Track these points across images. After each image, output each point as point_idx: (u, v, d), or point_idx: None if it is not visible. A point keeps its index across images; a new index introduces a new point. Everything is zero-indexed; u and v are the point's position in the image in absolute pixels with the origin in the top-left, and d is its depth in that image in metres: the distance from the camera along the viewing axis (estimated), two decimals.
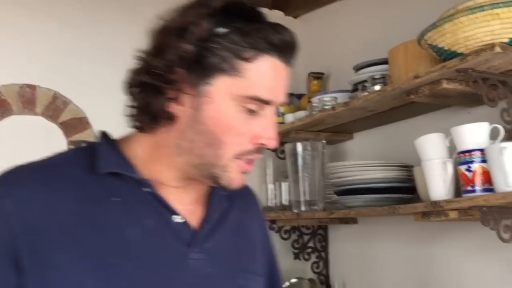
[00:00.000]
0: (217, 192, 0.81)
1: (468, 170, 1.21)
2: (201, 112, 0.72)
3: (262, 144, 0.74)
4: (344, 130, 1.89)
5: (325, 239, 2.04)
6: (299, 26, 2.29)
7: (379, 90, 1.46)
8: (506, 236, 1.18)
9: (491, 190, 1.18)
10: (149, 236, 0.73)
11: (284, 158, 1.93)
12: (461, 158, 1.22)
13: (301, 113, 1.83)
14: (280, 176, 1.98)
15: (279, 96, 0.75)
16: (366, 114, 1.65)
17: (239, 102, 0.72)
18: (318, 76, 2.02)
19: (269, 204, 1.98)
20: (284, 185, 1.93)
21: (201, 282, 0.75)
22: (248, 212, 0.89)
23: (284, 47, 0.74)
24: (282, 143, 2.00)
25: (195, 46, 0.70)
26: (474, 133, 1.21)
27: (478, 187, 1.19)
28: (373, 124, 1.79)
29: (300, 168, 1.78)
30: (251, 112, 0.73)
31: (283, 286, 1.94)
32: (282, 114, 1.94)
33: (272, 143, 0.74)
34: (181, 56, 0.70)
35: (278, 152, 2.05)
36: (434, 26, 1.22)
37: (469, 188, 1.20)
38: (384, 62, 1.56)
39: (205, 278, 0.75)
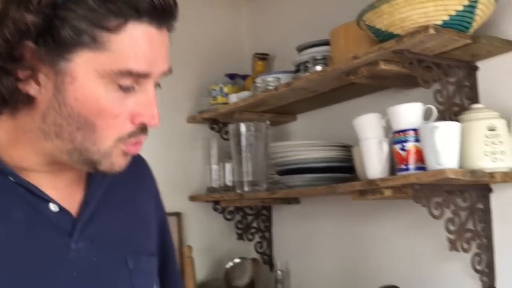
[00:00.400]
0: None
1: (402, 149, 1.24)
2: (64, 94, 0.62)
3: (143, 123, 0.66)
4: (288, 111, 1.90)
5: (268, 219, 2.06)
6: (246, 7, 2.27)
7: (320, 71, 1.48)
8: (436, 212, 1.23)
9: (423, 168, 1.21)
10: (20, 231, 0.65)
11: (228, 139, 1.92)
12: (396, 137, 1.25)
13: (245, 94, 1.83)
14: (224, 157, 1.97)
15: (158, 66, 0.65)
16: (308, 94, 1.67)
17: (109, 80, 0.62)
18: (263, 57, 2.01)
19: (213, 185, 1.98)
20: (228, 166, 1.93)
21: (85, 274, 0.68)
22: (139, 183, 0.82)
23: (157, 11, 0.63)
24: (226, 124, 1.99)
25: (38, 16, 0.60)
26: (408, 113, 1.24)
27: (411, 165, 1.23)
28: (315, 105, 1.81)
29: (243, 148, 1.78)
30: (126, 89, 0.64)
31: (227, 266, 1.94)
32: (226, 95, 1.92)
33: (154, 121, 0.66)
34: (20, 29, 0.60)
35: (223, 133, 2.04)
36: (372, 7, 1.23)
37: (403, 166, 1.24)
38: (326, 43, 1.57)
39: (90, 269, 0.69)
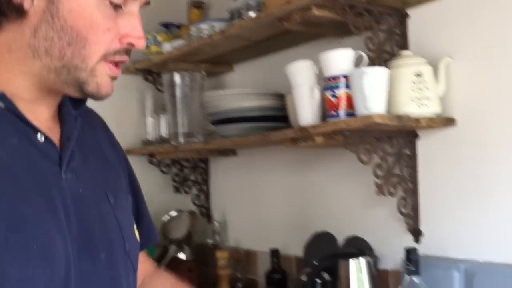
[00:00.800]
0: (68, 111, 0.74)
1: (333, 95, 1.24)
2: (58, 5, 0.64)
3: (131, 44, 0.69)
4: (224, 61, 1.86)
5: (206, 172, 2.05)
6: None
7: (253, 17, 1.44)
8: (365, 158, 1.25)
9: (353, 115, 1.22)
10: (18, 156, 0.65)
11: (163, 90, 1.87)
12: (327, 84, 1.25)
13: (179, 42, 1.77)
14: (159, 108, 1.92)
15: None
16: (243, 43, 1.63)
17: None
18: (198, 5, 1.95)
19: (149, 138, 1.93)
20: (164, 118, 1.88)
21: (77, 204, 0.69)
22: (99, 131, 0.84)
23: None
24: (160, 75, 1.93)
25: None
26: (339, 59, 1.24)
27: (341, 111, 1.24)
28: (252, 55, 1.78)
29: (178, 99, 1.74)
30: (116, 7, 0.67)
31: (163, 219, 1.93)
32: (159, 43, 1.85)
33: (141, 42, 0.70)
34: None
35: (157, 84, 1.98)
36: None
37: (333, 113, 1.24)
38: None
39: (80, 200, 0.70)
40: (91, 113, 0.85)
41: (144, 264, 0.93)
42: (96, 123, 0.85)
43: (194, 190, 2.04)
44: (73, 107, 0.74)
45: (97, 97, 0.70)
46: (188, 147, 1.72)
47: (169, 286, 0.94)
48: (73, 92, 0.69)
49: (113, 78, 0.71)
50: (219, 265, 1.77)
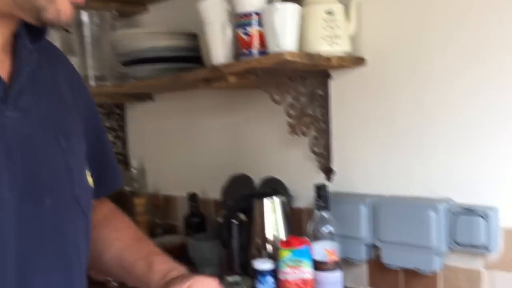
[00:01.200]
0: (23, 43, 0.68)
1: (246, 33, 1.21)
2: None
3: None
4: (137, 0, 1.76)
5: (122, 118, 1.98)
6: None
7: None
8: (278, 98, 1.25)
9: (266, 53, 1.20)
10: None
11: (71, 32, 1.75)
12: (239, 21, 1.22)
13: None
14: (68, 50, 1.80)
15: None
16: None
17: None
18: None
19: None
20: (73, 60, 1.76)
21: (22, 146, 0.64)
22: (59, 71, 0.77)
23: None
24: None
25: None
26: None
27: (254, 50, 1.21)
28: None
29: (87, 40, 1.64)
30: None
31: None
32: None
33: None
34: None
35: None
36: None
37: (246, 51, 1.22)
38: None
39: (26, 141, 0.65)
40: (53, 48, 0.79)
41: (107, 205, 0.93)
42: (58, 60, 0.79)
43: (110, 137, 1.97)
44: (31, 41, 0.68)
45: (56, 25, 0.65)
46: (100, 91, 1.64)
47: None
48: (29, 18, 0.64)
49: (74, 4, 0.66)
50: (137, 211, 1.74)
